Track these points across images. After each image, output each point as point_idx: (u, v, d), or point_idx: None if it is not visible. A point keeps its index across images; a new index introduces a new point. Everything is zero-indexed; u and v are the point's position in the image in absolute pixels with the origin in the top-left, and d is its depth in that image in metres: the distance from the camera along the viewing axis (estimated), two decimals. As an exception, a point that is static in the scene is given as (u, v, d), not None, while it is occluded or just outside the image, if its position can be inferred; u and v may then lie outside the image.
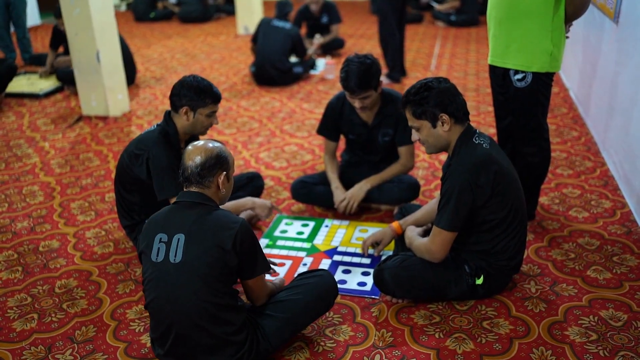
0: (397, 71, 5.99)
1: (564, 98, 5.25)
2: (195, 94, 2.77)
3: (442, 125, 2.44)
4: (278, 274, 2.77)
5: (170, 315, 2.09)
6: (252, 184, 3.39)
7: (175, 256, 2.08)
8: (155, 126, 2.91)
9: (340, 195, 3.33)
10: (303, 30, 7.43)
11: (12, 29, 7.39)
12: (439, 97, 2.41)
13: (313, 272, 2.47)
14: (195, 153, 2.15)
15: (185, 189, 2.19)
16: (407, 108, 2.49)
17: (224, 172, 2.19)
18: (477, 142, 2.46)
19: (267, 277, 2.50)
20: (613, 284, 2.69)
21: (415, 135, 2.55)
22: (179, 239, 2.09)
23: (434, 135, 2.48)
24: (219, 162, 2.17)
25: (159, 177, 2.77)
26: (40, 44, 8.54)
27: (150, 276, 2.13)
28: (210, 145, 2.18)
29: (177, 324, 2.09)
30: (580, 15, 2.88)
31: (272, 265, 2.56)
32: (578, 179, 3.71)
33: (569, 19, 2.90)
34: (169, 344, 2.12)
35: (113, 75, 5.22)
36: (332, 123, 3.45)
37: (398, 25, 5.90)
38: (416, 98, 2.44)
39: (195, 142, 2.20)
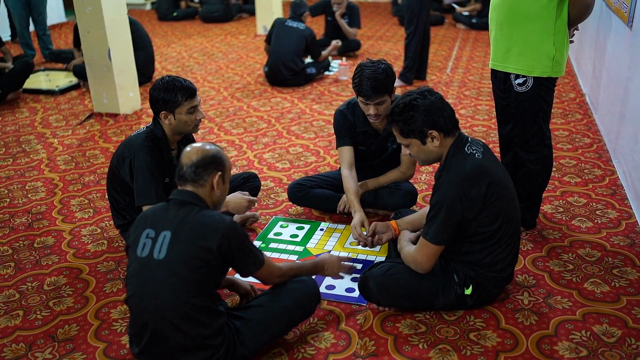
0: (412, 72, 5.91)
1: (580, 104, 5.11)
2: (167, 95, 2.74)
3: (432, 141, 2.35)
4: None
5: (148, 311, 2.07)
6: (248, 184, 3.34)
7: (159, 252, 2.07)
8: (144, 128, 2.89)
9: (358, 221, 2.94)
10: (321, 31, 7.41)
11: (32, 28, 7.50)
12: (426, 115, 2.31)
13: (296, 278, 2.42)
14: (192, 152, 2.17)
15: (179, 187, 2.18)
16: (393, 127, 2.41)
17: (219, 173, 2.17)
18: (469, 151, 2.36)
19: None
20: (610, 298, 2.59)
21: (405, 151, 2.48)
22: (165, 235, 2.08)
23: (425, 151, 2.40)
24: (214, 161, 2.17)
25: (139, 183, 2.76)
26: (64, 42, 8.66)
27: (133, 271, 2.12)
28: (207, 147, 2.20)
29: (154, 321, 2.06)
30: (584, 18, 2.78)
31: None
32: (585, 188, 3.59)
33: (572, 23, 2.80)
34: (145, 341, 2.10)
35: (124, 73, 5.24)
36: (349, 132, 3.21)
37: (424, 27, 5.83)
38: (402, 118, 2.35)
39: (193, 144, 2.21)
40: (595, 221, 3.21)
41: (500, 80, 2.99)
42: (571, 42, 2.92)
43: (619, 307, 2.52)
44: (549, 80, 2.85)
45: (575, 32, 3.01)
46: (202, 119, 2.88)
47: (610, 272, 2.76)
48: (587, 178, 3.72)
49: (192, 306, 2.05)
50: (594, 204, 3.39)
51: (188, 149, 2.19)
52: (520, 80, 2.86)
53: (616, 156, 3.85)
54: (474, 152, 2.37)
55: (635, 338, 2.34)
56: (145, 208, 2.73)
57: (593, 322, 2.44)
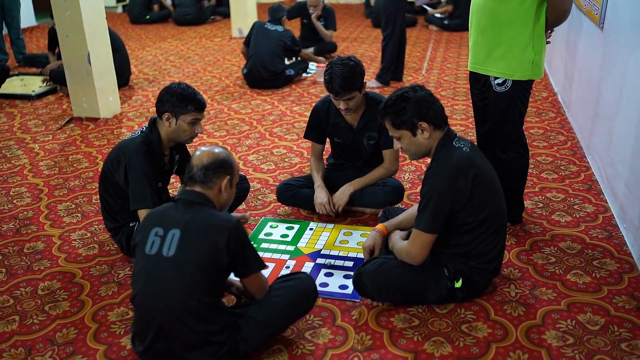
0: (389, 74, 6.00)
1: (552, 102, 5.27)
2: (178, 100, 2.80)
3: (422, 132, 2.46)
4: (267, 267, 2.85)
5: (156, 309, 2.11)
6: (237, 186, 3.37)
7: (168, 250, 2.12)
8: (139, 132, 2.93)
9: (321, 194, 3.35)
10: (297, 34, 7.46)
11: (5, 32, 7.41)
12: (417, 106, 2.44)
13: (293, 275, 2.50)
14: (203, 155, 2.24)
15: (188, 188, 2.23)
16: (386, 119, 2.53)
17: (228, 177, 2.25)
18: (457, 145, 2.48)
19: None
20: (592, 288, 2.71)
21: (397, 144, 2.57)
22: (174, 233, 2.13)
23: (415, 143, 2.51)
24: (224, 165, 2.25)
25: (134, 187, 2.80)
26: (36, 45, 8.56)
27: (141, 268, 2.17)
28: (217, 150, 2.28)
29: (161, 317, 2.11)
30: (561, 22, 2.91)
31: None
32: (562, 183, 3.73)
33: (550, 26, 2.93)
34: (150, 338, 2.14)
35: (104, 77, 5.23)
36: (318, 126, 3.48)
37: (401, 29, 5.91)
38: (394, 109, 2.47)
39: (204, 147, 2.28)
40: (574, 215, 3.34)
41: (479, 81, 3.09)
42: (548, 42, 3.04)
43: (600, 297, 2.65)
44: (527, 82, 2.96)
45: (551, 33, 3.13)
46: (198, 134, 2.94)
47: (590, 264, 2.89)
48: (563, 174, 3.86)
49: (199, 303, 2.11)
50: (572, 199, 3.52)
51: (199, 151, 2.27)
52: (499, 81, 2.96)
53: (590, 152, 4.00)
54: (462, 146, 2.48)
55: (617, 325, 2.46)
56: (141, 212, 2.77)
57: (577, 311, 2.56)
